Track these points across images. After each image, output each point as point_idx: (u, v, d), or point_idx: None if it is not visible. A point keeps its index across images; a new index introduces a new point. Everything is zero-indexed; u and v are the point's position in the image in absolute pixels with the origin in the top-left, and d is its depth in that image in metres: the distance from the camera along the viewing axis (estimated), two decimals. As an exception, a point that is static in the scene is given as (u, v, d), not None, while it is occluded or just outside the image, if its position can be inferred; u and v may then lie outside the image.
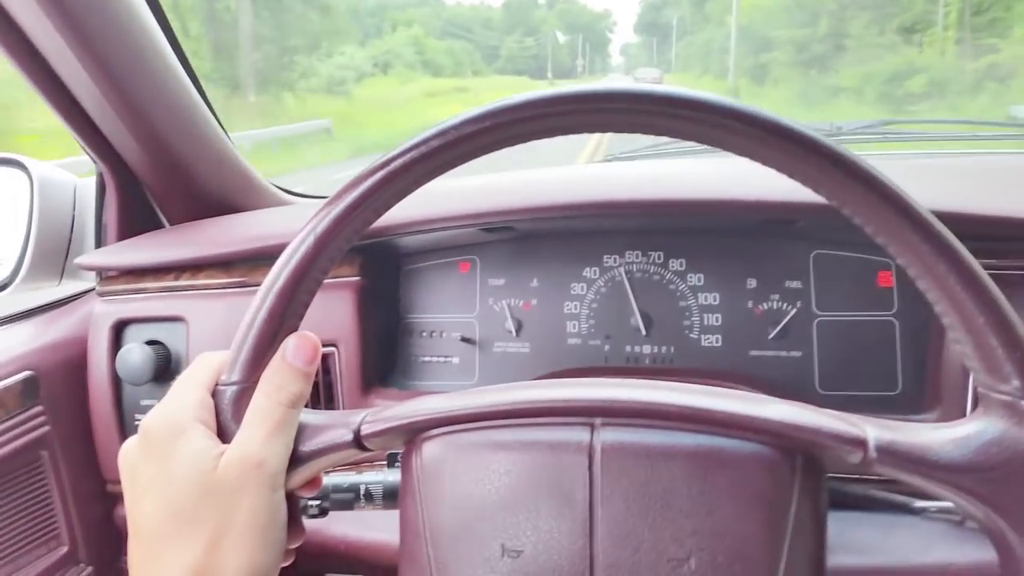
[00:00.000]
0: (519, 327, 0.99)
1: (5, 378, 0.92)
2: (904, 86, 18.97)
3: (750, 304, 0.94)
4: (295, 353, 0.51)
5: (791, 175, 0.46)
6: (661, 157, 1.37)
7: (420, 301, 1.03)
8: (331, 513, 0.65)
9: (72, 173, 1.16)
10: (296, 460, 0.50)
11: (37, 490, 0.96)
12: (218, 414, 0.50)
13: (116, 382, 1.00)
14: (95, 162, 1.10)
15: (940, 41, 21.67)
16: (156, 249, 1.04)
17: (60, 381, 0.99)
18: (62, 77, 0.96)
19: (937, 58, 21.19)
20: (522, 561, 0.48)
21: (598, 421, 0.49)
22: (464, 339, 1.00)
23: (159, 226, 1.18)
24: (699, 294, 0.95)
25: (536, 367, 0.98)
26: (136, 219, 1.14)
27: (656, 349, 0.96)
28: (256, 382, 0.50)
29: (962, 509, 0.45)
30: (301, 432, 0.51)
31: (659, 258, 0.97)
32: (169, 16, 1.03)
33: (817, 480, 0.48)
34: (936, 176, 1.01)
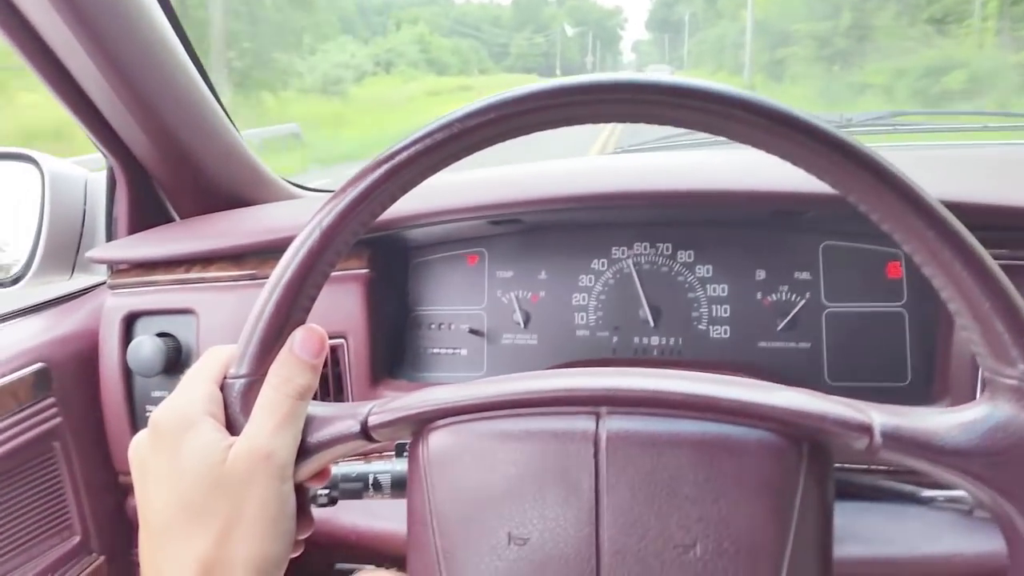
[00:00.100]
0: (527, 319, 0.99)
1: (18, 370, 0.93)
2: (941, 82, 17.05)
3: (759, 295, 0.94)
4: (302, 346, 0.51)
5: (796, 163, 0.46)
6: (670, 149, 1.37)
7: (428, 293, 1.03)
8: (340, 503, 0.66)
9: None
10: (304, 452, 0.51)
11: (49, 481, 0.97)
12: (227, 407, 0.51)
13: (127, 374, 1.01)
14: (105, 156, 1.10)
15: (977, 33, 19.47)
16: (166, 242, 1.05)
17: (72, 373, 1.00)
18: (72, 72, 0.96)
19: (975, 51, 18.81)
20: (528, 549, 0.48)
21: (603, 410, 0.49)
22: (472, 331, 1.00)
23: (169, 220, 1.19)
24: (708, 285, 0.95)
25: (544, 359, 0.98)
26: (146, 213, 1.15)
27: (664, 341, 0.96)
28: (264, 375, 0.50)
29: (969, 494, 0.45)
30: (309, 424, 0.51)
31: (667, 250, 0.97)
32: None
33: (824, 467, 0.48)
34: (947, 167, 1.01)
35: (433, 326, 1.02)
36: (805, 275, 0.92)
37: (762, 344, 0.93)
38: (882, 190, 0.44)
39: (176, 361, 0.99)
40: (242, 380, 0.51)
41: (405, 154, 0.48)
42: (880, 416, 0.45)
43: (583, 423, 0.48)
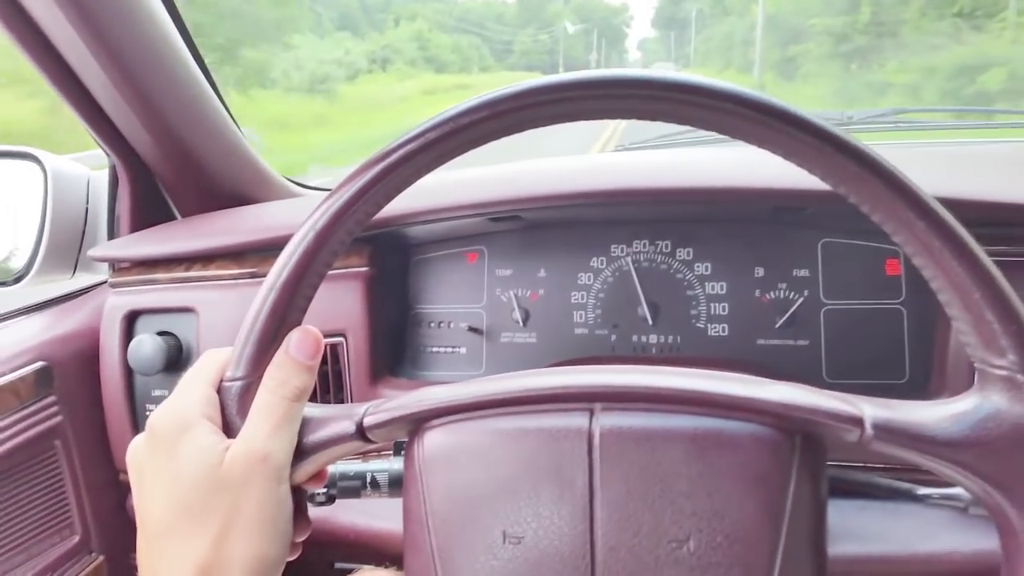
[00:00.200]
0: (526, 317, 1.00)
1: (19, 368, 0.94)
2: (977, 82, 15.28)
3: (757, 293, 0.94)
4: (298, 347, 0.51)
5: (787, 157, 0.46)
6: (670, 147, 1.37)
7: (428, 291, 1.04)
8: (338, 502, 0.66)
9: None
10: (301, 453, 0.51)
11: (50, 479, 0.97)
12: (223, 410, 0.51)
13: (128, 372, 1.01)
14: (108, 155, 1.11)
15: (1013, 28, 17.42)
16: (167, 241, 1.05)
17: (73, 372, 1.00)
18: (75, 69, 0.96)
19: (1011, 48, 16.72)
20: (524, 547, 0.48)
21: (597, 406, 0.49)
22: (472, 329, 1.00)
23: (171, 218, 1.19)
24: (706, 283, 0.95)
25: (543, 357, 0.99)
26: (148, 211, 1.15)
27: (663, 338, 0.96)
28: (260, 377, 0.51)
29: (961, 485, 0.45)
30: (305, 425, 0.51)
31: (666, 247, 0.97)
32: None
33: (817, 460, 0.48)
34: (948, 164, 1.01)
35: (432, 324, 1.03)
36: (804, 272, 0.92)
37: (761, 341, 0.93)
38: (871, 181, 0.44)
39: (177, 360, 0.99)
40: (238, 383, 0.51)
41: (399, 153, 0.48)
42: (871, 408, 0.45)
43: (577, 420, 0.49)
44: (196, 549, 0.47)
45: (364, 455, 0.87)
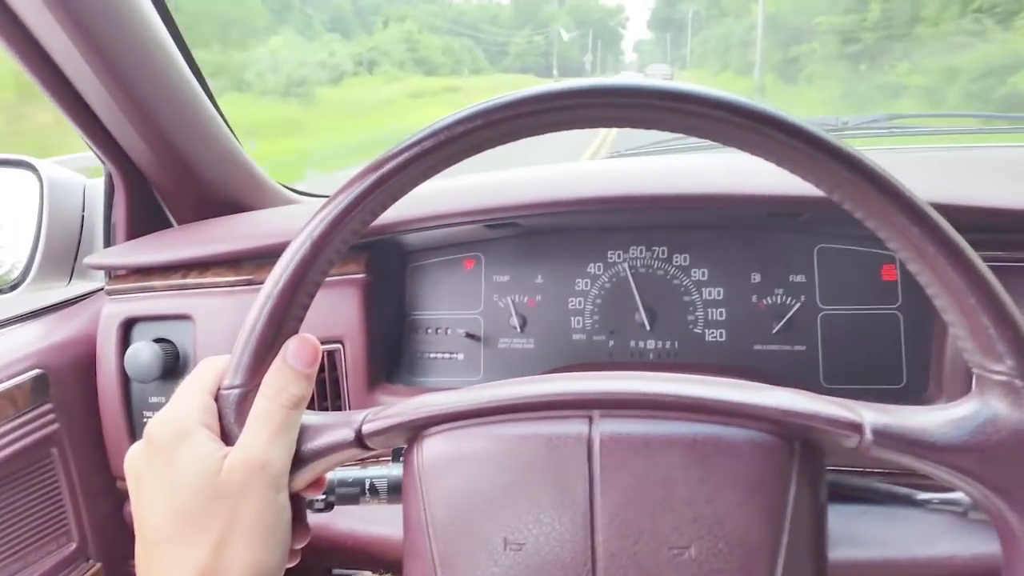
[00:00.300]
0: (524, 323, 1.00)
1: (16, 376, 0.94)
2: (1008, 83, 13.56)
3: (754, 298, 0.94)
4: (295, 355, 0.51)
5: (780, 163, 0.46)
6: (665, 153, 1.37)
7: (425, 298, 1.04)
8: (337, 508, 0.66)
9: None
10: (299, 461, 0.51)
11: (47, 487, 0.97)
12: (221, 418, 0.51)
13: (125, 380, 1.01)
14: (103, 162, 1.10)
15: None
16: (164, 248, 1.05)
17: (70, 379, 1.00)
18: (69, 77, 0.96)
19: None
20: (524, 554, 0.48)
21: (596, 413, 0.49)
22: (469, 335, 1.00)
23: (167, 226, 1.19)
24: (703, 289, 0.95)
25: (541, 363, 0.99)
26: (144, 219, 1.15)
27: (660, 344, 0.96)
28: (258, 385, 0.51)
29: (960, 490, 0.45)
30: (303, 433, 0.52)
31: (663, 253, 0.97)
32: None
33: (816, 466, 0.48)
34: (944, 169, 1.01)
35: (430, 330, 1.03)
36: (800, 278, 0.93)
37: (758, 347, 0.93)
38: (865, 187, 0.44)
39: (173, 367, 0.99)
40: (236, 391, 0.51)
41: (394, 162, 0.48)
42: (870, 414, 0.46)
43: (576, 427, 0.49)
44: (195, 557, 0.47)
45: (362, 461, 0.87)
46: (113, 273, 1.07)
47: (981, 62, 14.97)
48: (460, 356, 1.01)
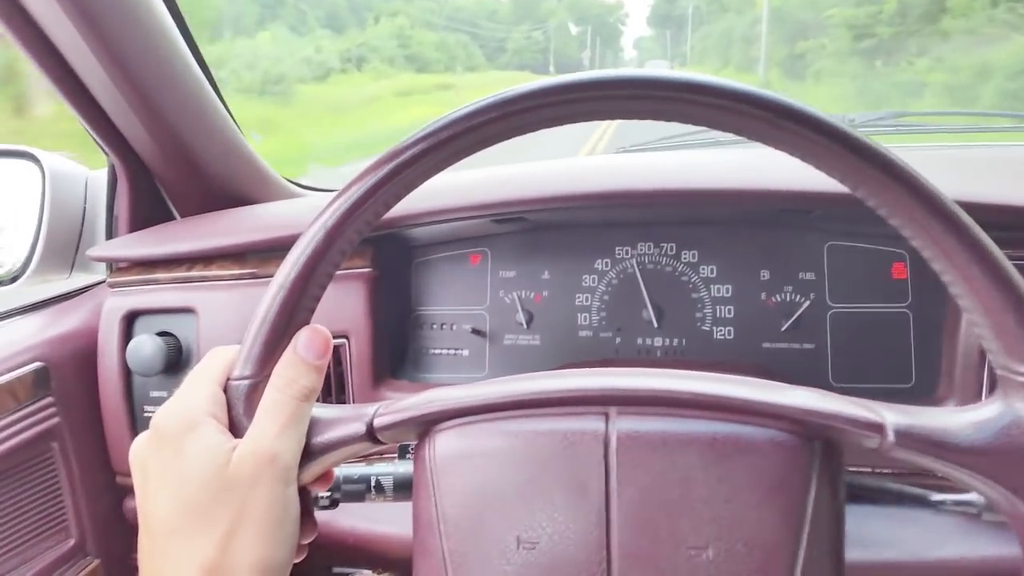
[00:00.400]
0: (530, 319, 0.99)
1: (16, 369, 0.93)
2: None
3: (763, 296, 0.93)
4: (307, 347, 0.50)
5: (804, 158, 0.46)
6: (674, 148, 1.37)
7: (431, 293, 1.03)
8: (341, 506, 0.65)
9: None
10: (309, 454, 0.50)
11: (46, 482, 0.96)
12: (230, 409, 0.50)
13: (126, 373, 1.00)
14: (107, 154, 1.10)
15: None
16: (167, 241, 1.04)
17: (71, 373, 0.99)
18: (75, 68, 0.95)
19: None
20: (538, 553, 0.47)
21: (613, 410, 0.48)
22: (475, 331, 1.00)
23: (170, 218, 1.18)
24: (711, 286, 0.95)
25: (547, 360, 0.98)
26: (147, 211, 1.14)
27: (668, 341, 0.95)
28: (268, 376, 0.50)
29: (981, 493, 0.45)
30: (313, 426, 0.51)
31: (671, 249, 0.96)
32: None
33: (835, 466, 0.47)
34: (951, 167, 1.00)
35: (435, 326, 1.02)
36: (810, 275, 0.92)
37: (766, 345, 0.93)
38: (891, 185, 0.44)
39: (176, 361, 0.98)
40: (246, 382, 0.50)
41: (408, 153, 0.48)
42: (892, 415, 0.45)
43: (592, 423, 0.48)
44: (201, 550, 0.47)
45: (367, 458, 0.86)
46: (115, 265, 1.06)
47: (1019, 57, 13.76)
48: (465, 352, 1.01)
